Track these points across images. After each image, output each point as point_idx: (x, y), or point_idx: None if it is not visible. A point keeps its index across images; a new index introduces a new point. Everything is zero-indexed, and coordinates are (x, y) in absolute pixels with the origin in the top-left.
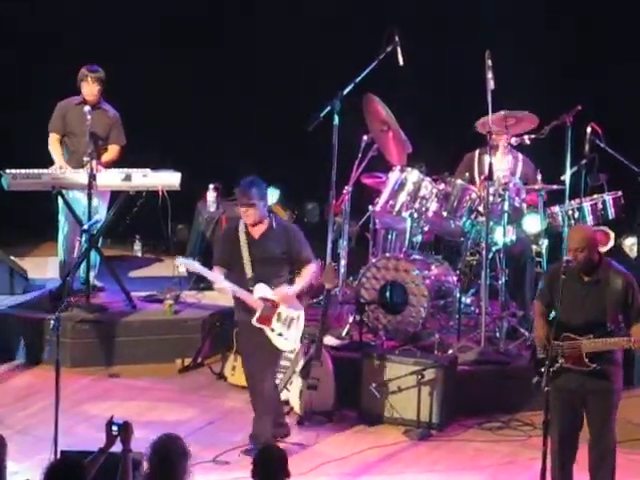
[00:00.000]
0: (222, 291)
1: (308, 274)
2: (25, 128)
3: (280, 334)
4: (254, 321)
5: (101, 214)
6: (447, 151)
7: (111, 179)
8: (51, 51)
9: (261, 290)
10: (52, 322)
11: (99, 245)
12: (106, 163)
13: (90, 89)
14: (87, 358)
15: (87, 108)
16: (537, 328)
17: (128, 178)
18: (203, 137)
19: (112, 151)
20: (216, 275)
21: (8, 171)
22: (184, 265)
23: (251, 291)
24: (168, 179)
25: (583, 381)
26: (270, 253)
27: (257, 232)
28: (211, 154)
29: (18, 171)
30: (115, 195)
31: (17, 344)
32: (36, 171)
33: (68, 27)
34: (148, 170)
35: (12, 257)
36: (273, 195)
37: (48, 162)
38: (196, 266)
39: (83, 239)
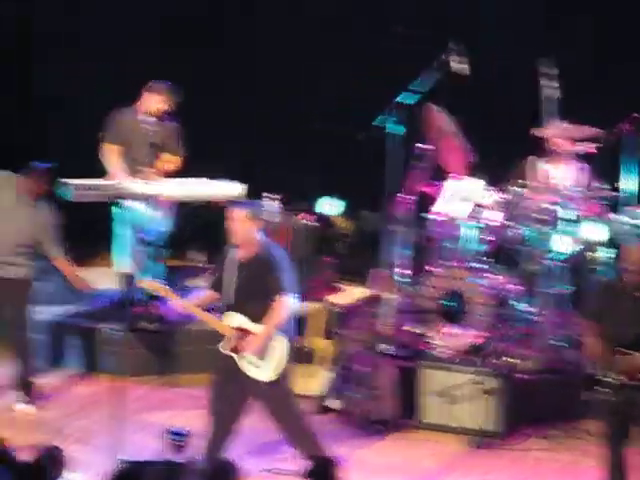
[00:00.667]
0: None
1: (277, 309)
2: (25, 128)
3: (250, 362)
4: (221, 347)
5: (163, 225)
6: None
7: (173, 189)
8: (51, 51)
9: (236, 319)
10: (113, 332)
11: (161, 255)
12: (165, 173)
13: (161, 108)
14: (146, 367)
15: (147, 118)
16: (593, 346)
17: (190, 188)
18: (203, 137)
19: (172, 161)
20: (174, 299)
21: (70, 182)
22: (147, 286)
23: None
24: (230, 189)
25: (633, 394)
26: (248, 280)
27: (245, 255)
28: (211, 154)
29: (80, 182)
30: (177, 205)
31: (76, 354)
32: (97, 182)
33: (68, 27)
34: (210, 180)
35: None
36: (339, 206)
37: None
38: (160, 286)
39: (146, 250)
